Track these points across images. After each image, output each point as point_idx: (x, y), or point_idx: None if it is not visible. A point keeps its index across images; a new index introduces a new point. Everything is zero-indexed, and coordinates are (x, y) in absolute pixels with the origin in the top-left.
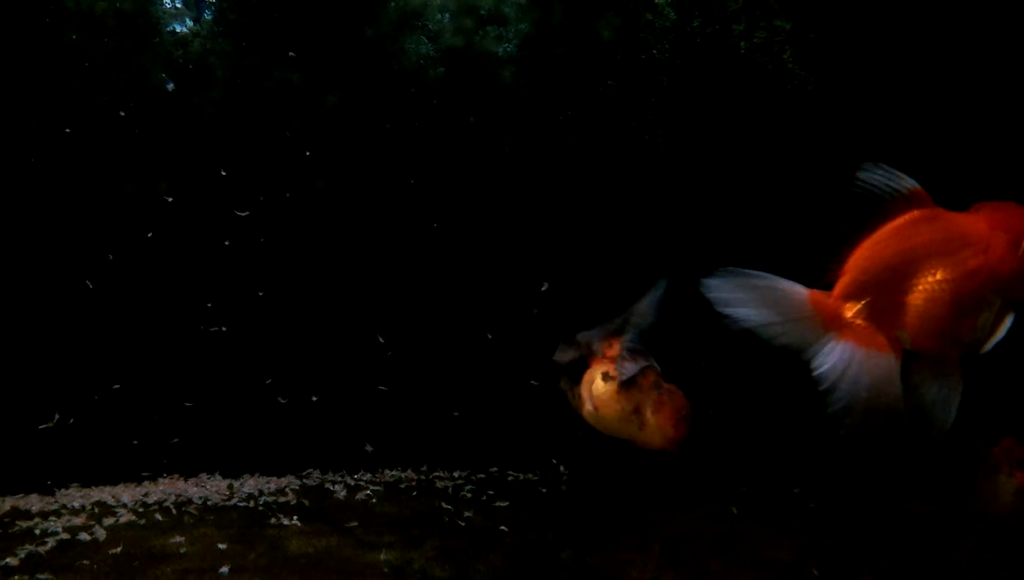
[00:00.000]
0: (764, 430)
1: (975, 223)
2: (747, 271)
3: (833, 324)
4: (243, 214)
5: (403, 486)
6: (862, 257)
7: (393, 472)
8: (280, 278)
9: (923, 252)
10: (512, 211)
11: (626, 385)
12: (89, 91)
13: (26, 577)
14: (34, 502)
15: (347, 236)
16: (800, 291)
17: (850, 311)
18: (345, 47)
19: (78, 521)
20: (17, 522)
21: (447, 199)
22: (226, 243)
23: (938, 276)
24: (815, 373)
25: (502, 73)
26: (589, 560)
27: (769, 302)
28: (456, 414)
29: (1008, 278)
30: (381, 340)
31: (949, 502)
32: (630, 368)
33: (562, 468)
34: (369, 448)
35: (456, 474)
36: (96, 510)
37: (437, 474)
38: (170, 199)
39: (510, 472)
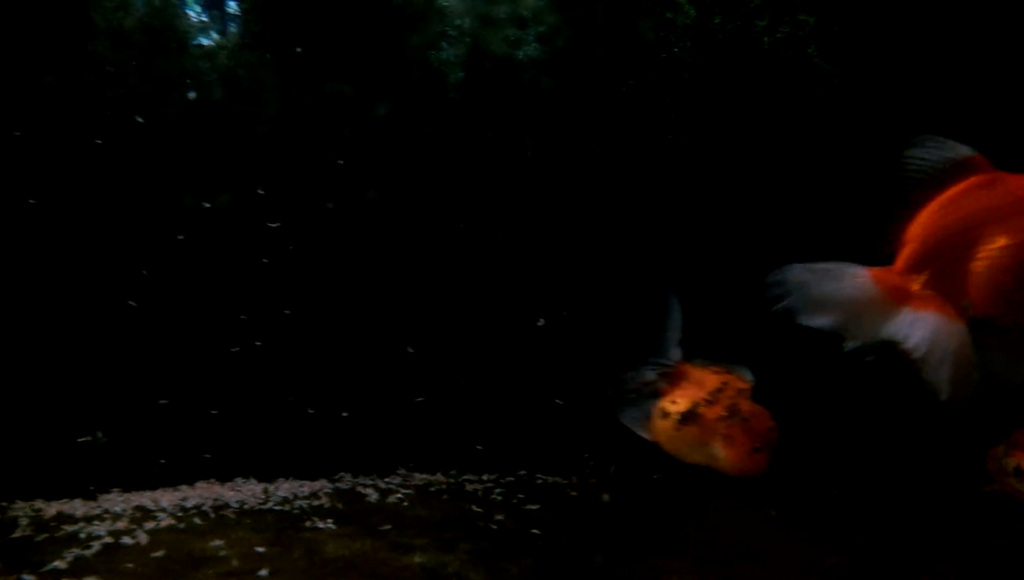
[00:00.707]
0: (804, 432)
1: None
2: (805, 265)
3: (903, 298)
4: (274, 225)
5: (433, 489)
6: (922, 227)
7: (423, 475)
8: (315, 288)
9: (984, 218)
10: (540, 218)
11: (685, 420)
12: (118, 103)
13: (74, 579)
14: (78, 507)
15: (377, 247)
16: (862, 272)
17: (916, 283)
18: (383, 58)
19: (121, 525)
20: (63, 526)
21: (481, 207)
22: (264, 260)
23: (1000, 242)
24: (906, 345)
25: (533, 77)
26: (622, 563)
27: (835, 292)
28: (485, 422)
29: None
30: (410, 350)
31: (985, 501)
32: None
33: (592, 471)
34: (403, 471)
35: (485, 477)
36: (137, 514)
37: (467, 477)
38: (207, 204)
39: (539, 475)
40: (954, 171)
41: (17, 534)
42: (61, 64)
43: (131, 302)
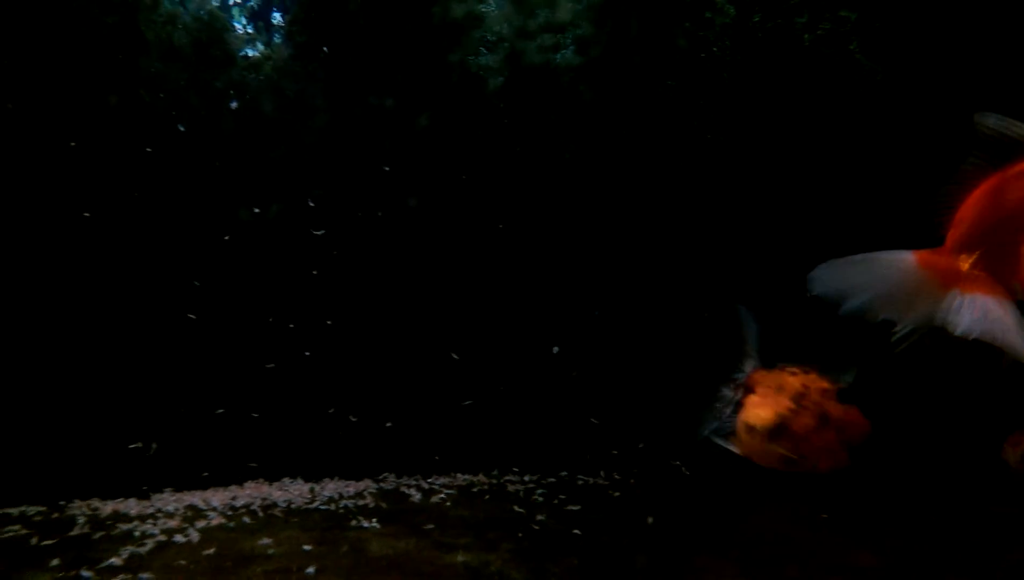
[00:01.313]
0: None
1: None
2: (847, 258)
3: (952, 280)
4: (319, 233)
5: (475, 490)
6: (974, 207)
7: (465, 476)
8: (361, 295)
9: None
10: (580, 222)
11: (775, 436)
12: (167, 114)
13: (130, 576)
14: (132, 506)
15: (420, 253)
16: (907, 258)
17: (966, 263)
18: (424, 65)
19: (173, 524)
20: (118, 524)
21: (522, 212)
22: (313, 271)
23: None
24: (956, 330)
25: (571, 81)
26: (664, 564)
27: (881, 281)
28: (526, 424)
29: None
30: (455, 356)
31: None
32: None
33: (634, 471)
34: (436, 458)
35: (527, 478)
36: (189, 513)
37: (508, 478)
38: (256, 211)
39: (580, 476)
40: (1011, 150)
41: (75, 532)
42: (114, 79)
43: (190, 315)
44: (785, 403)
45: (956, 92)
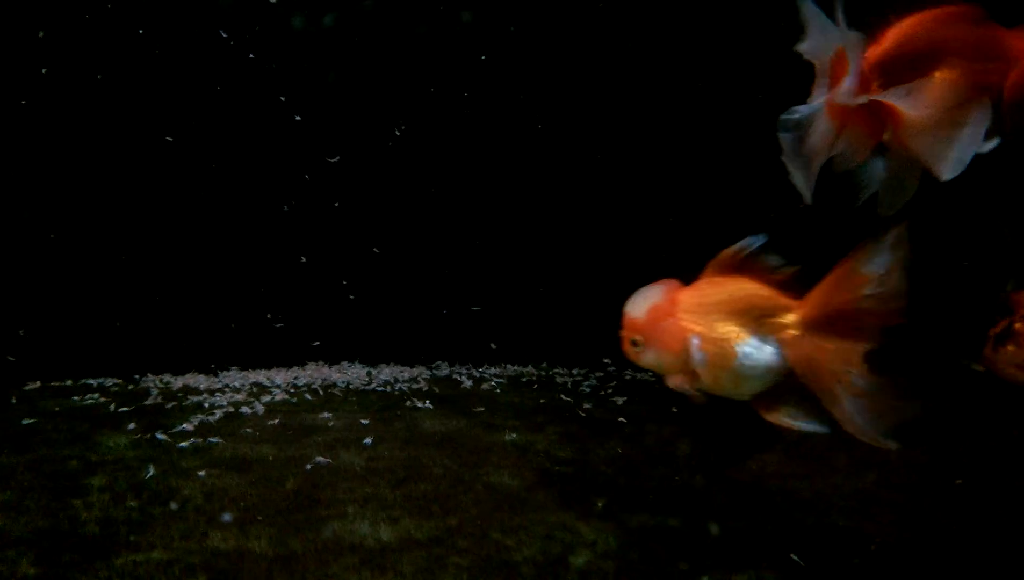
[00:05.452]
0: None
1: (1017, 40)
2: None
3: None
4: (333, 160)
5: (524, 380)
6: (898, 32)
7: (515, 367)
8: (429, 180)
9: (948, 46)
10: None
11: None
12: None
13: (200, 440)
14: (201, 381)
15: (489, 158)
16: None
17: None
18: None
19: (240, 398)
20: (189, 396)
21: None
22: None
23: (948, 74)
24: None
25: None
26: (708, 450)
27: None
28: (574, 318)
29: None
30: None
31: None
32: None
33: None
34: (493, 346)
35: (575, 371)
36: (254, 389)
37: (557, 370)
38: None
39: (627, 371)
40: None
41: (149, 402)
42: None
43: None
44: None
45: None
